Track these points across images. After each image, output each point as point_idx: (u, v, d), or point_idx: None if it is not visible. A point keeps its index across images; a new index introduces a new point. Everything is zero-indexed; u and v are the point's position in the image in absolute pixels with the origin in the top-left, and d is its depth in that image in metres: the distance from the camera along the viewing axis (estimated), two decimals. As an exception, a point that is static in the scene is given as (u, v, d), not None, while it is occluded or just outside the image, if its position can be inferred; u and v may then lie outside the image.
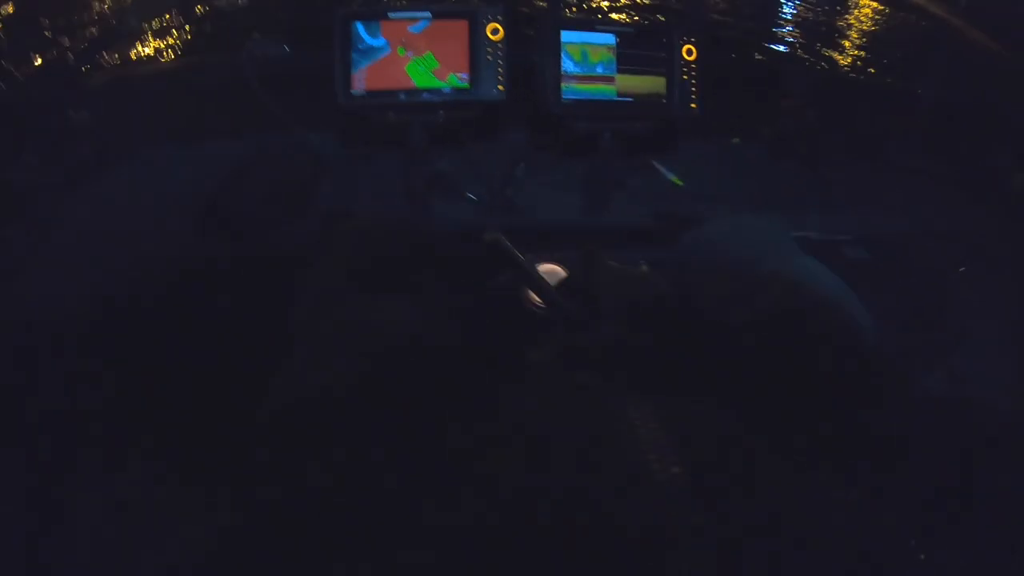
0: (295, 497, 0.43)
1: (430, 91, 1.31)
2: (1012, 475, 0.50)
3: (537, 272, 0.96)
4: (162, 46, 1.64)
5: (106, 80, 1.57)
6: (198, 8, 1.66)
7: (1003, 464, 0.52)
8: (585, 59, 1.36)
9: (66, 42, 1.55)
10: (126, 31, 1.51)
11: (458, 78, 1.31)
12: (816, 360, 0.57)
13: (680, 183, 1.68)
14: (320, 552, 0.40)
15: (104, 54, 1.60)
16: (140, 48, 1.60)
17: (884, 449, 0.51)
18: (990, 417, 0.56)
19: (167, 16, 1.55)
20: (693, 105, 1.43)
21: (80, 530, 0.48)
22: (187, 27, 1.60)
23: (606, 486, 0.41)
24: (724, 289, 0.71)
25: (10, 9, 1.50)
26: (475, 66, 1.31)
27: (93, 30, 1.56)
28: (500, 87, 1.32)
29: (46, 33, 1.55)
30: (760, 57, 1.84)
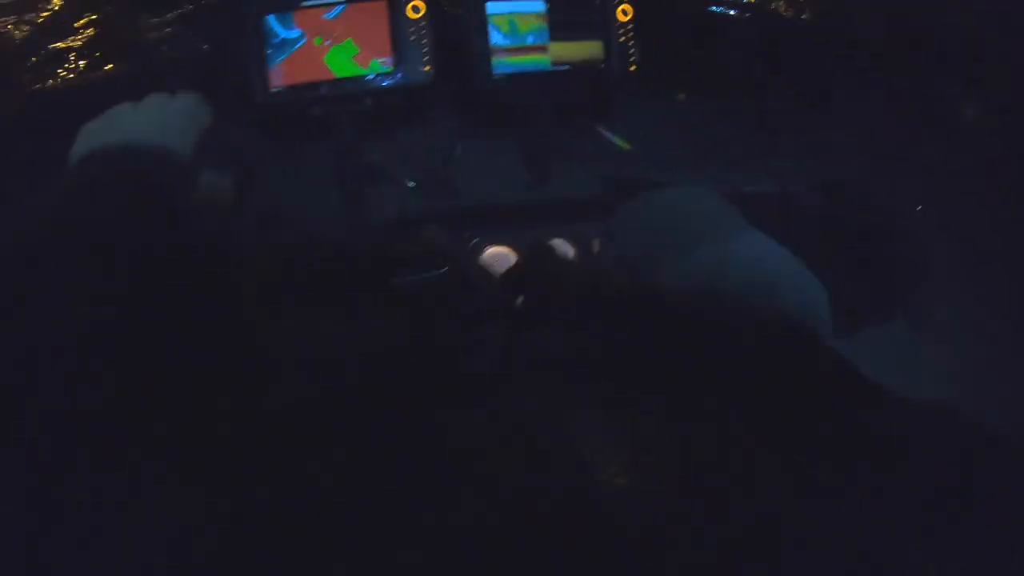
0: (295, 497, 0.41)
1: (353, 80, 1.24)
2: (1012, 474, 0.48)
3: (479, 265, 0.92)
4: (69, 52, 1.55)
5: (13, 99, 1.49)
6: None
7: (1002, 462, 0.50)
8: (514, 29, 1.30)
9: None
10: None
11: (381, 63, 1.25)
12: (760, 348, 0.54)
13: (627, 146, 1.64)
14: (320, 552, 0.38)
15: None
16: (50, 59, 1.51)
17: (854, 442, 0.48)
18: (987, 415, 0.53)
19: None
20: (633, 67, 1.39)
21: (79, 531, 0.45)
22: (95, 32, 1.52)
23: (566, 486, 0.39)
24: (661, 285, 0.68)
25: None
26: (398, 48, 1.25)
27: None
28: (427, 68, 1.26)
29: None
30: (701, 10, 1.79)
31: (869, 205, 1.58)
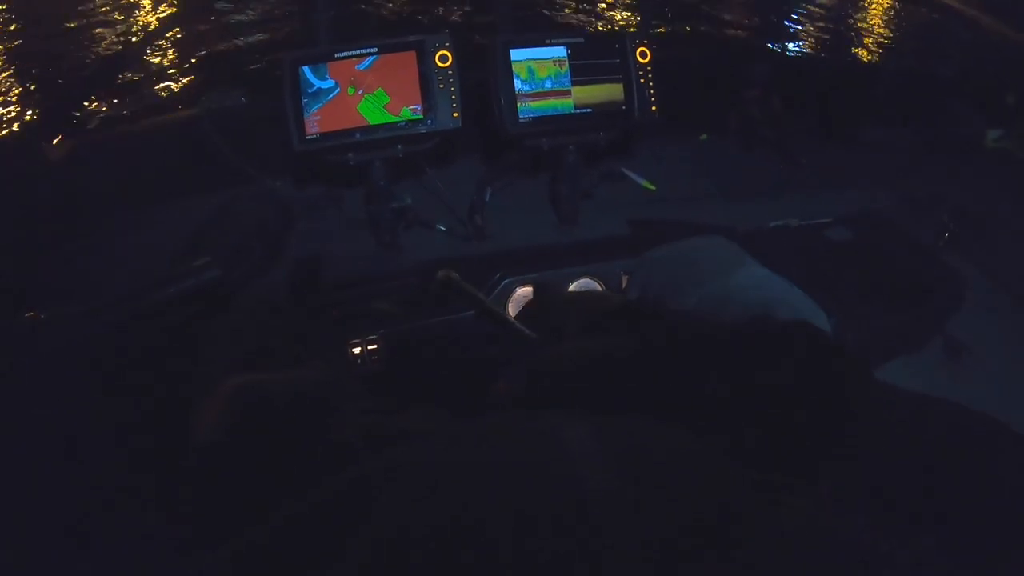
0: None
1: (385, 127, 1.29)
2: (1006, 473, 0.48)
3: (493, 305, 0.95)
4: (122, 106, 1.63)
5: (69, 148, 1.57)
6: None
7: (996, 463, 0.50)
8: (532, 76, 1.34)
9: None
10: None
11: (411, 110, 1.30)
12: (761, 370, 0.56)
13: (652, 187, 1.67)
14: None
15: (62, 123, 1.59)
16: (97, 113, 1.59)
17: (853, 454, 0.49)
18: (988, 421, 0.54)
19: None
20: (654, 108, 1.42)
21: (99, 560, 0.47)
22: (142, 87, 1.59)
23: (550, 505, 0.40)
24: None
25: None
26: (427, 96, 1.30)
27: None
28: (455, 115, 1.31)
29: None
30: (718, 50, 1.83)
31: (897, 236, 1.59)
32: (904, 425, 0.51)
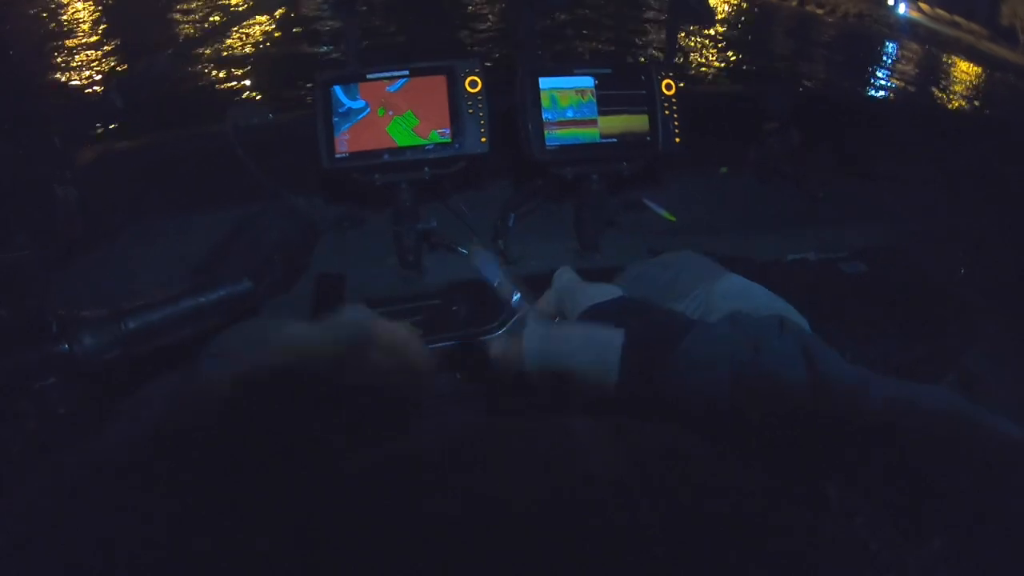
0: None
1: (413, 149, 1.30)
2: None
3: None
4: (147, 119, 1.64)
5: (94, 156, 1.58)
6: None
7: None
8: (555, 104, 1.36)
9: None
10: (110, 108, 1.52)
11: (440, 134, 1.31)
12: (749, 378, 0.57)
13: (672, 218, 1.68)
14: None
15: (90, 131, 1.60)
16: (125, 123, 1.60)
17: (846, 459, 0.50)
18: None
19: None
20: (678, 139, 1.43)
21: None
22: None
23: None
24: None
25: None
26: (456, 120, 1.31)
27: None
28: (483, 139, 1.32)
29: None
30: (737, 84, 1.84)
31: (913, 271, 1.60)
32: (905, 426, 0.52)
